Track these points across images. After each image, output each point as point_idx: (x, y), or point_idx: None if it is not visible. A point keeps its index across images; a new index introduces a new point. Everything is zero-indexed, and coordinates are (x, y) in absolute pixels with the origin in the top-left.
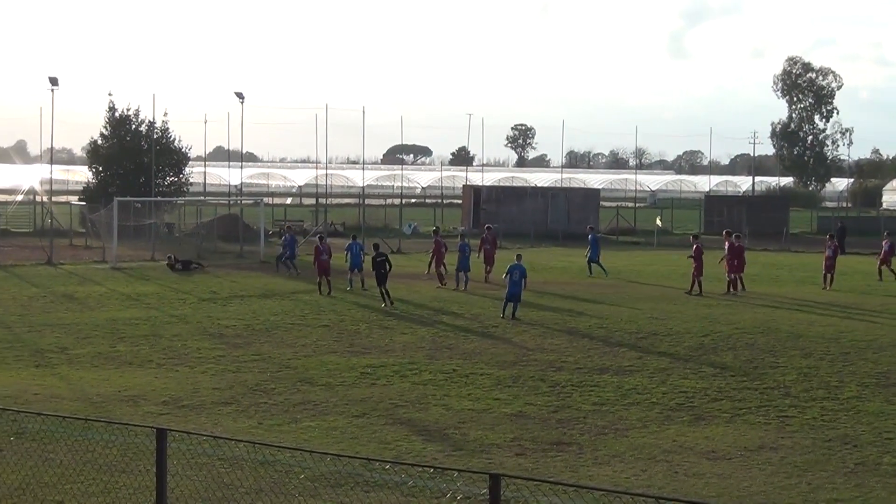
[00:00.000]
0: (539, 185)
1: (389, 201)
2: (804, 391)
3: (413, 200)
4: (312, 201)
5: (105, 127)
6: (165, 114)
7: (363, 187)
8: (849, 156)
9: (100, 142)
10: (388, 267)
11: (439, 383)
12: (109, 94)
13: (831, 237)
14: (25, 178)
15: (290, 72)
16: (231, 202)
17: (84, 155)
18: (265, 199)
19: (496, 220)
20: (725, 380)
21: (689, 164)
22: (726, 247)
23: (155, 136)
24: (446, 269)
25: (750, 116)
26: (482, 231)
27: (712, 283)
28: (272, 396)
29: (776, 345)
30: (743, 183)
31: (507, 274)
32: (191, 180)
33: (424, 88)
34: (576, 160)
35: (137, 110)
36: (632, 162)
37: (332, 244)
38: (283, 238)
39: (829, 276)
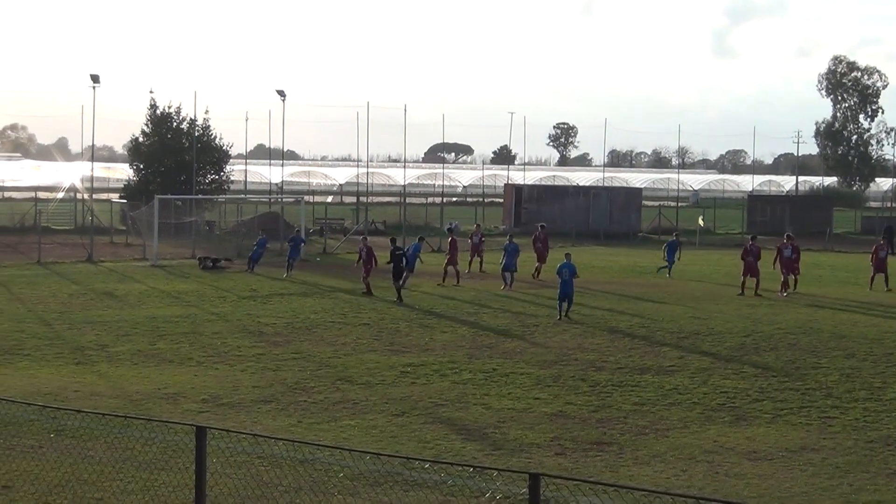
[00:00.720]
0: (581, 184)
1: (430, 200)
2: (846, 392)
3: (454, 199)
4: (353, 199)
5: (146, 124)
6: (206, 111)
7: (404, 186)
8: (893, 155)
9: (141, 139)
10: (404, 262)
11: (479, 382)
12: (151, 92)
13: (885, 239)
14: (66, 175)
15: (332, 70)
16: (272, 200)
17: (125, 152)
18: (306, 198)
19: (538, 219)
20: (767, 380)
21: (732, 163)
22: (788, 249)
23: (196, 134)
24: (458, 267)
25: (794, 116)
26: (532, 231)
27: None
28: (312, 395)
29: (818, 345)
30: (786, 182)
31: (557, 273)
32: (231, 178)
33: (466, 87)
34: (618, 159)
35: (179, 108)
36: (674, 161)
37: (377, 243)
38: (289, 239)
39: (882, 276)
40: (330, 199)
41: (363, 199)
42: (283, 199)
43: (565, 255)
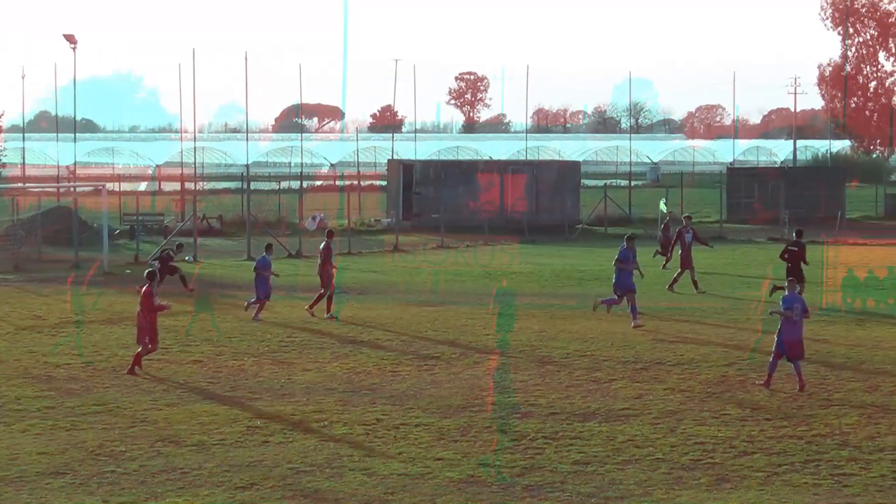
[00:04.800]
0: (495, 157)
1: (285, 184)
2: (868, 439)
3: (318, 183)
4: (176, 186)
5: None
6: None
7: (247, 165)
8: None
9: None
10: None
11: (358, 439)
12: None
13: None
14: None
15: (141, 2)
16: (61, 190)
17: None
18: (109, 185)
19: (435, 208)
20: (759, 425)
21: (706, 124)
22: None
23: None
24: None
25: (789, 57)
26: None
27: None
28: (122, 463)
29: (829, 374)
30: (780, 149)
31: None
32: (2, 159)
33: (333, 24)
34: (546, 121)
35: None
36: (625, 123)
37: (211, 246)
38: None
39: None
40: (143, 186)
41: (189, 185)
42: (78, 188)
43: (788, 285)
